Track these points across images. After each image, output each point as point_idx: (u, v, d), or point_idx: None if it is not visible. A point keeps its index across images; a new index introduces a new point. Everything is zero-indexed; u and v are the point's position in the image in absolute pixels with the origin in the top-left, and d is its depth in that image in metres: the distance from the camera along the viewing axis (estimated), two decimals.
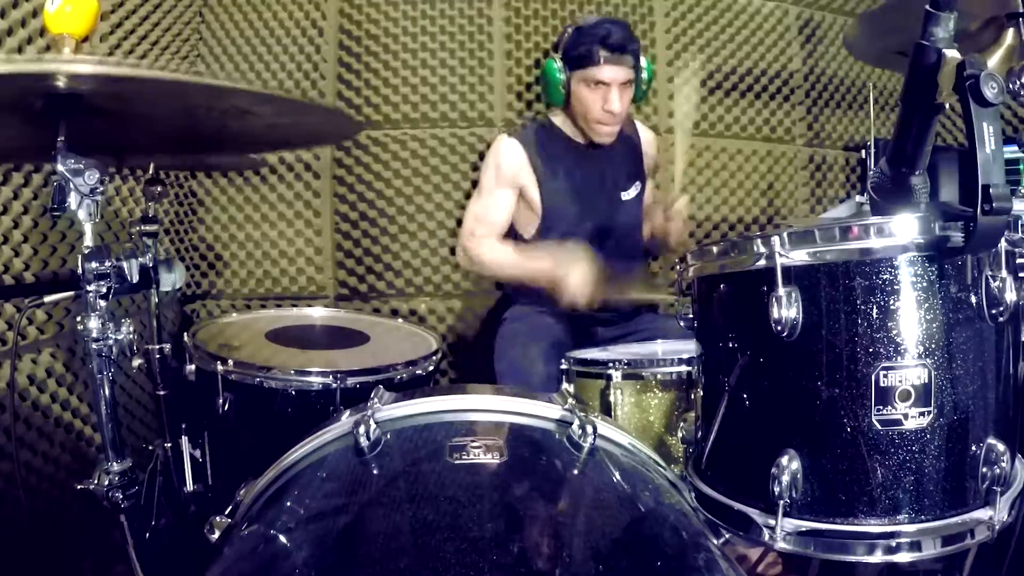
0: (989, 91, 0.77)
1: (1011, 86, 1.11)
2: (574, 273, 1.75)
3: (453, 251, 2.53)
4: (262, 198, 2.51)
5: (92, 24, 1.11)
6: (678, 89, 2.44)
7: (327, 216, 2.51)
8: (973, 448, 0.88)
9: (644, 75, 1.94)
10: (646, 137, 2.16)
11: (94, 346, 1.08)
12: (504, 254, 1.97)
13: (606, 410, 1.47)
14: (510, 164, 1.99)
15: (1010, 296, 0.87)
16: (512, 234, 2.08)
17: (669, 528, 0.88)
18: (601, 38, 1.84)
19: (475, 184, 2.34)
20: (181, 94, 1.04)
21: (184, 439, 1.70)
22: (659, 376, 1.47)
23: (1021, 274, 0.89)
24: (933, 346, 0.86)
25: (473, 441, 0.91)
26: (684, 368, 1.45)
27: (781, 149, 2.81)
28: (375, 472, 0.89)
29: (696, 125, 2.66)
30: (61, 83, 0.93)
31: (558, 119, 2.06)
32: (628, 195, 2.06)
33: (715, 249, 1.02)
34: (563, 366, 1.61)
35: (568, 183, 2.00)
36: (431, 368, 1.75)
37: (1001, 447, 0.88)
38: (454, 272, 2.53)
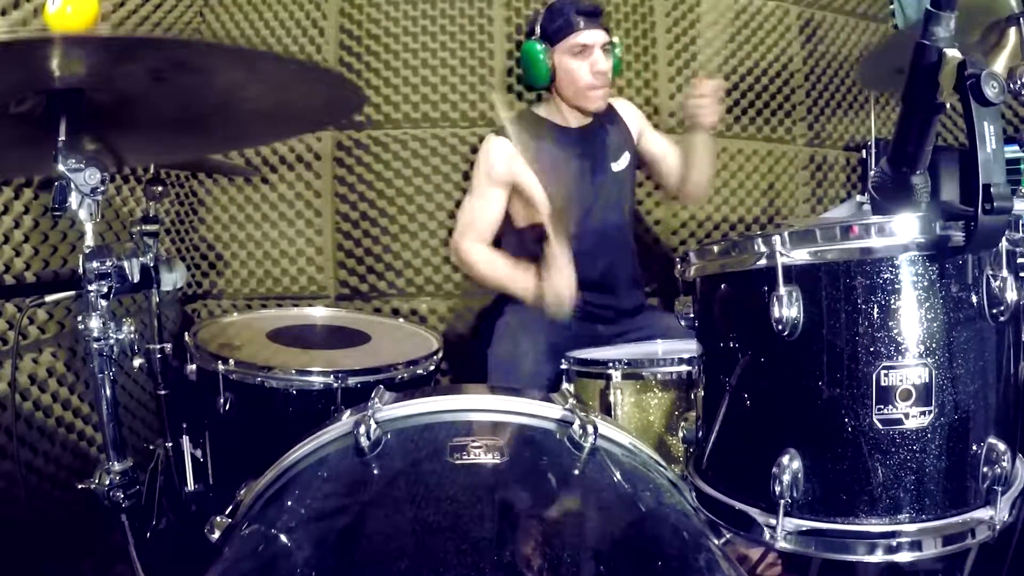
0: (990, 90, 0.77)
1: (1012, 85, 1.12)
2: (553, 284, 1.73)
3: (447, 243, 2.52)
4: (263, 197, 2.51)
5: (92, 24, 1.11)
6: None
7: (328, 216, 2.51)
8: (974, 447, 0.88)
9: (617, 48, 2.03)
10: (625, 109, 2.21)
11: (95, 346, 1.08)
12: (490, 266, 1.97)
13: (606, 410, 1.47)
14: (501, 163, 2.00)
15: (1011, 295, 0.87)
16: (516, 231, 2.07)
17: (670, 528, 0.88)
18: (576, 7, 1.94)
19: None
20: (179, 62, 1.02)
21: (185, 439, 1.70)
22: (659, 376, 1.47)
23: (1022, 273, 0.89)
24: (934, 345, 0.86)
25: (474, 441, 0.91)
26: (684, 368, 1.45)
27: (782, 149, 2.81)
28: (375, 472, 0.89)
29: None
30: (56, 65, 0.92)
31: (541, 109, 2.13)
32: (619, 166, 2.10)
33: (716, 249, 1.02)
34: (563, 366, 1.61)
35: (562, 167, 2.01)
36: (432, 368, 1.76)
37: (1002, 447, 0.88)
38: (455, 272, 2.53)
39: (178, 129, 1.26)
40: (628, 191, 2.18)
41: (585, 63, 1.95)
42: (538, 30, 1.99)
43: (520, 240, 2.06)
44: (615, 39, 2.03)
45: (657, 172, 2.24)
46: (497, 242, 2.20)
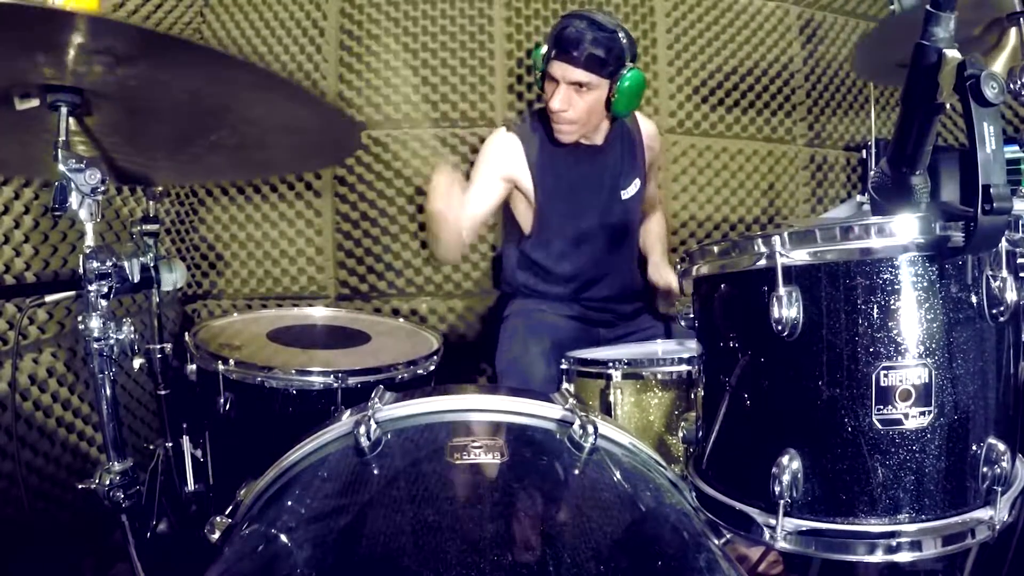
0: (989, 91, 0.77)
1: (1011, 86, 1.12)
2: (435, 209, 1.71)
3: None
4: (263, 198, 2.51)
5: None
6: None
7: (328, 216, 2.52)
8: (973, 448, 0.88)
9: (625, 84, 1.80)
10: (647, 131, 2.10)
11: (95, 346, 1.08)
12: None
13: (606, 410, 1.47)
14: (502, 157, 1.95)
15: (1010, 296, 0.87)
16: (516, 231, 2.07)
17: (670, 528, 0.88)
18: (558, 32, 1.79)
19: None
20: (186, 73, 1.02)
21: (185, 439, 1.70)
22: (659, 376, 1.47)
23: (1021, 274, 0.89)
24: (933, 346, 0.86)
25: (474, 441, 0.91)
26: (684, 368, 1.45)
27: (782, 149, 2.81)
28: (376, 472, 0.89)
29: (697, 125, 2.67)
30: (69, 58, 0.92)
31: None
32: (627, 193, 2.02)
33: (716, 249, 1.02)
34: (563, 366, 1.61)
35: (564, 179, 1.96)
36: (432, 368, 1.75)
37: (1001, 447, 0.88)
38: (455, 272, 2.53)
39: (177, 144, 1.26)
40: (635, 217, 2.09)
41: (550, 93, 1.83)
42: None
43: (522, 251, 2.06)
44: (627, 71, 1.80)
45: None
46: (499, 256, 2.20)
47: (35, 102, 1.02)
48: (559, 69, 1.80)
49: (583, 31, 1.77)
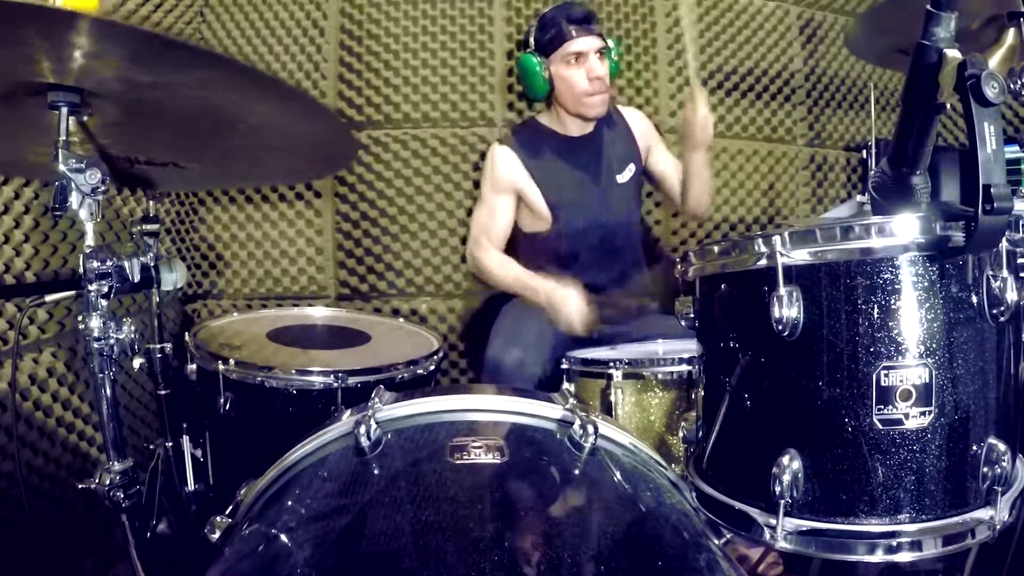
0: (990, 91, 0.77)
1: (1012, 86, 1.12)
2: (565, 307, 1.81)
3: (458, 254, 2.55)
4: (263, 197, 2.51)
5: None
6: None
7: (328, 216, 2.52)
8: (974, 448, 0.88)
9: (613, 49, 2.03)
10: (632, 117, 2.21)
11: (95, 345, 1.08)
12: (504, 272, 2.04)
13: (607, 410, 1.47)
14: (505, 172, 2.07)
15: (1011, 296, 0.87)
16: (523, 236, 2.11)
17: (670, 528, 0.88)
18: (566, 16, 1.95)
19: (476, 184, 2.38)
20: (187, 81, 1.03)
21: (185, 439, 1.70)
22: (660, 376, 1.47)
23: (1022, 274, 0.89)
24: (934, 346, 0.86)
25: (474, 441, 0.91)
26: (685, 368, 1.45)
27: (782, 149, 2.81)
28: (376, 472, 0.89)
29: None
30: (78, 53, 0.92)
31: (544, 118, 2.15)
32: (623, 178, 2.11)
33: (716, 249, 1.02)
34: (564, 366, 1.61)
35: (564, 177, 2.06)
36: (432, 368, 1.76)
37: (1002, 447, 0.88)
38: (455, 272, 2.53)
39: (177, 150, 1.26)
40: (634, 202, 2.19)
41: (581, 70, 1.96)
42: (532, 42, 2.01)
43: (529, 246, 2.12)
44: (611, 42, 2.03)
45: (662, 189, 2.25)
46: (509, 247, 2.23)
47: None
48: (584, 43, 1.94)
49: (581, 7, 1.98)
